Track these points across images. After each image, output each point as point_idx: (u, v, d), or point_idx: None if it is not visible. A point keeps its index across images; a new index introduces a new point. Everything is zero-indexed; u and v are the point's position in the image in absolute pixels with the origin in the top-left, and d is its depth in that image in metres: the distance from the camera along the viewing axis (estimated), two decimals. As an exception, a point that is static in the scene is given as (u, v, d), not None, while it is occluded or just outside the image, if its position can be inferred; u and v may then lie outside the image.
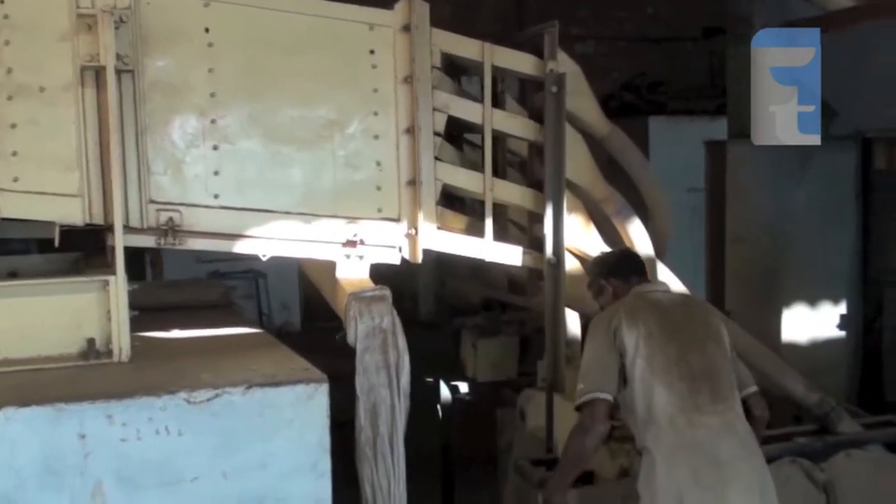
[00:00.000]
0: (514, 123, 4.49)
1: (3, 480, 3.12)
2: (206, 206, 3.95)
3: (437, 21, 4.18)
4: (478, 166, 4.44)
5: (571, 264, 4.51)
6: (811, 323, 6.46)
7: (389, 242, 4.19)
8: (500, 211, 4.56)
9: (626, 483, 4.03)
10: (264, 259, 4.11)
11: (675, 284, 4.71)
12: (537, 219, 4.50)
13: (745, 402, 3.80)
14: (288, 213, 4.04)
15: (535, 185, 4.52)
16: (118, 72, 3.69)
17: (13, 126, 3.66)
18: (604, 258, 4.26)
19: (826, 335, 6.48)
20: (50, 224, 3.76)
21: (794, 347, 6.28)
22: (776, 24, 6.23)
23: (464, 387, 5.71)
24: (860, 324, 6.60)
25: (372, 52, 4.12)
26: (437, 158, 4.23)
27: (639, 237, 4.73)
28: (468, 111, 4.35)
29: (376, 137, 4.15)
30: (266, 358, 3.82)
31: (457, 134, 4.74)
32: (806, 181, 6.34)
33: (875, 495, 4.58)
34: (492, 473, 5.63)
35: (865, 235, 6.54)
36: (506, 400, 5.43)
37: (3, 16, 3.66)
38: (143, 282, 6.70)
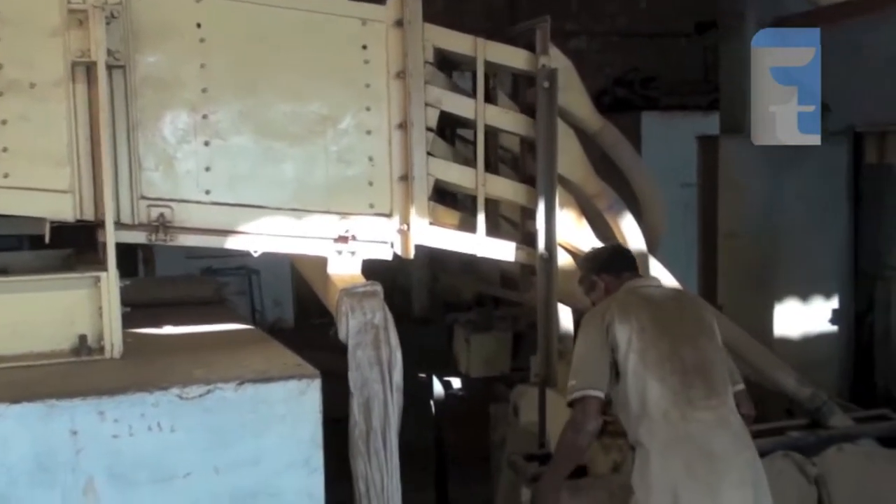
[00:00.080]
0: (506, 119, 4.49)
1: (-5, 477, 3.11)
2: (198, 202, 3.93)
3: (430, 16, 4.18)
4: (470, 162, 4.43)
5: (564, 259, 4.51)
6: (803, 317, 6.49)
7: (381, 238, 4.18)
8: (492, 206, 4.56)
9: (619, 478, 4.04)
10: (256, 255, 4.10)
11: (668, 279, 4.72)
12: (529, 214, 4.51)
13: (731, 400, 3.82)
14: (280, 208, 4.03)
15: (528, 180, 4.52)
16: (109, 67, 3.68)
17: (3, 122, 3.64)
18: (595, 254, 4.27)
19: (818, 329, 6.51)
20: (41, 220, 3.74)
21: (786, 341, 6.31)
22: (768, 19, 6.26)
23: (457, 382, 5.73)
24: (852, 318, 6.62)
25: (364, 47, 4.11)
26: (429, 154, 4.22)
27: (631, 232, 4.74)
28: (461, 106, 4.34)
29: (368, 133, 4.14)
30: (258, 354, 3.81)
31: (449, 129, 4.74)
32: (798, 176, 6.36)
33: (866, 489, 4.60)
34: (485, 468, 5.63)
35: (857, 230, 6.57)
36: (499, 395, 5.44)
37: (-8, 11, 3.64)
38: (135, 278, 6.66)
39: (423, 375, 5.68)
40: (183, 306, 5.02)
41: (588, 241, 4.61)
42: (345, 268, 4.09)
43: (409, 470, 3.84)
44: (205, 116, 3.92)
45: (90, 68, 3.66)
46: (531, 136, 4.44)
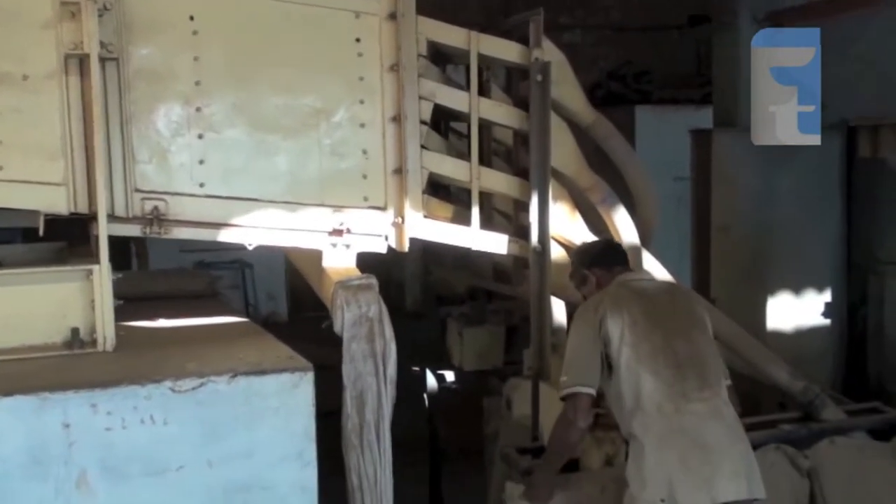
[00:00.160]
0: (499, 112, 4.49)
1: (-12, 470, 3.11)
2: (192, 195, 3.93)
3: (423, 9, 4.18)
4: (464, 155, 4.44)
5: (557, 253, 4.52)
6: (796, 310, 6.50)
7: (376, 231, 4.18)
8: (485, 199, 4.57)
9: (612, 471, 4.05)
10: (250, 248, 4.09)
11: (661, 273, 4.73)
12: (523, 207, 4.51)
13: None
14: (274, 201, 4.03)
15: (521, 173, 4.52)
16: (102, 60, 3.67)
17: (-4, 115, 3.64)
18: (586, 248, 4.27)
19: (811, 323, 6.53)
20: (34, 213, 3.74)
21: (778, 335, 6.32)
22: (761, 14, 6.27)
23: (450, 375, 5.73)
24: (844, 311, 6.64)
25: (358, 40, 4.11)
26: (423, 147, 4.22)
27: (624, 225, 4.74)
28: (454, 99, 4.35)
29: (362, 126, 4.14)
30: (251, 347, 3.81)
31: (443, 123, 4.74)
32: (791, 170, 6.38)
33: (858, 482, 4.61)
34: (478, 462, 5.64)
35: (850, 223, 6.59)
36: (492, 388, 5.45)
37: (-15, 4, 3.63)
38: (128, 271, 6.67)
39: (416, 369, 5.68)
40: (176, 300, 5.01)
41: (581, 234, 4.61)
42: (339, 261, 4.09)
43: (402, 463, 3.85)
44: (198, 109, 3.91)
45: (83, 61, 3.65)
46: (525, 130, 4.44)
